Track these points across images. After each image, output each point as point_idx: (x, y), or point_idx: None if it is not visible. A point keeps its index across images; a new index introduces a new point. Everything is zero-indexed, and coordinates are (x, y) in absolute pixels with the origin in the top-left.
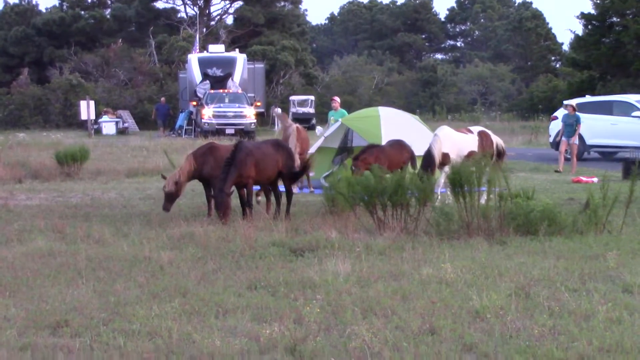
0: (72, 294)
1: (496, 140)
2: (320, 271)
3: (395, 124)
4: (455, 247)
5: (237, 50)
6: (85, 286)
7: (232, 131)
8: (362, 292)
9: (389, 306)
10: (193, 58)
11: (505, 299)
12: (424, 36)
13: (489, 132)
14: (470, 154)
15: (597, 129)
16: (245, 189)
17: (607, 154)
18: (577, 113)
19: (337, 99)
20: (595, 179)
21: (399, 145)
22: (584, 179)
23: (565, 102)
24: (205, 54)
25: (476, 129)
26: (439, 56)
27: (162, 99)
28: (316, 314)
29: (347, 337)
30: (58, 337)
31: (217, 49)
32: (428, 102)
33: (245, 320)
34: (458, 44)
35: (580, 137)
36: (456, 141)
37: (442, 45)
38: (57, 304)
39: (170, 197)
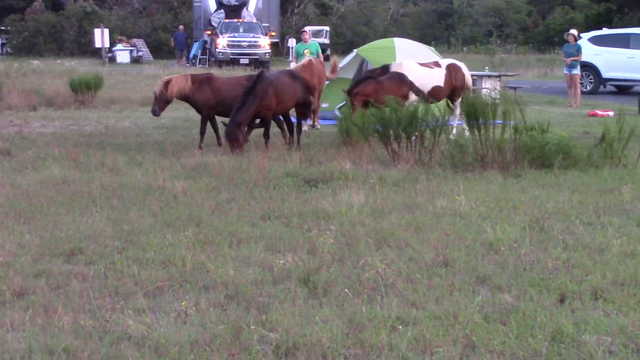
0: (86, 222)
1: (468, 77)
2: (334, 202)
3: (410, 55)
4: (470, 179)
5: None
6: (100, 214)
7: (247, 61)
8: (375, 223)
9: (402, 238)
10: None
11: (519, 232)
12: None
13: (461, 65)
14: (435, 88)
15: (613, 62)
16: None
17: (624, 88)
18: (578, 42)
19: (308, 30)
20: (611, 113)
21: (398, 79)
22: (599, 112)
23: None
24: None
25: (446, 62)
26: None
27: (180, 27)
28: (330, 245)
29: (361, 268)
30: (72, 265)
31: None
32: (443, 34)
33: (258, 250)
34: None
35: (596, 70)
36: (418, 75)
37: None
38: (71, 231)
39: (159, 99)
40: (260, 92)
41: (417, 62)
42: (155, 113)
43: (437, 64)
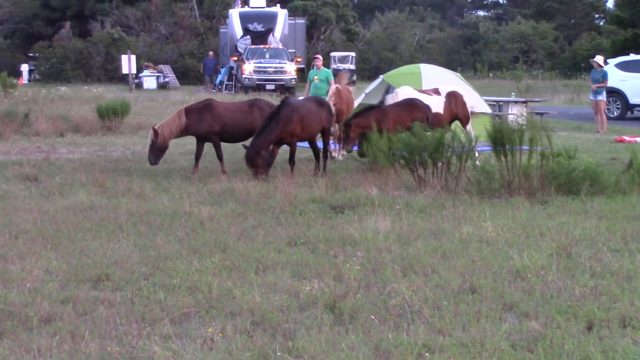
0: (113, 247)
1: (470, 104)
2: (360, 228)
3: (436, 81)
4: (496, 205)
5: (278, 5)
6: (126, 240)
7: (273, 87)
8: (402, 249)
9: (429, 264)
10: (234, 13)
11: (546, 259)
12: None
13: (462, 93)
14: (435, 115)
15: None
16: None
17: None
18: (604, 69)
19: (320, 57)
20: (638, 139)
21: (409, 105)
22: (627, 138)
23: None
24: (246, 8)
25: (446, 89)
26: (481, 13)
27: (210, 53)
28: (356, 271)
29: (387, 294)
30: (99, 291)
31: (258, 4)
32: (469, 60)
33: (285, 276)
34: (500, 0)
35: (624, 96)
36: None
37: (485, 2)
38: (98, 257)
39: (152, 148)
40: (283, 118)
41: (415, 89)
42: (152, 162)
43: (436, 92)
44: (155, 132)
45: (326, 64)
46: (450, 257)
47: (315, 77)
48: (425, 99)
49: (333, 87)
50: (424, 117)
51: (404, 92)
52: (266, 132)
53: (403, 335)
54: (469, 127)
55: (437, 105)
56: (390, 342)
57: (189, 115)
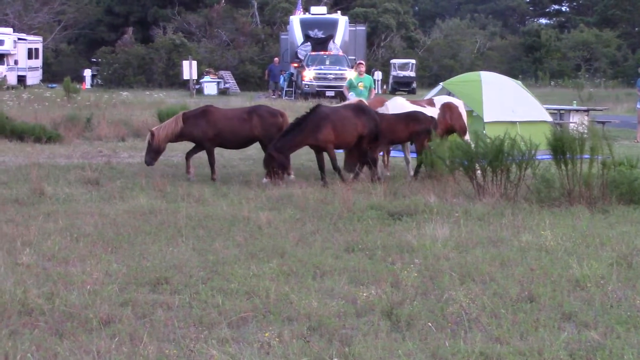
0: (172, 251)
1: (465, 115)
2: (418, 235)
3: (496, 89)
4: (556, 214)
5: (339, 12)
6: (185, 244)
7: (332, 93)
8: (460, 257)
9: (487, 272)
10: (295, 19)
11: (606, 268)
12: (527, 0)
13: (459, 104)
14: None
15: None
16: (326, 153)
17: None
18: None
19: (363, 62)
20: None
21: (406, 117)
22: None
23: None
24: (307, 15)
25: (441, 100)
26: (543, 21)
27: (275, 59)
28: (413, 278)
29: (445, 302)
30: (158, 294)
31: (319, 11)
32: (531, 68)
33: (342, 282)
34: (563, 8)
35: None
36: None
37: (547, 10)
38: (157, 261)
39: (148, 149)
40: (310, 125)
41: (408, 101)
42: (147, 163)
43: (430, 103)
44: (152, 134)
45: (386, 71)
46: (509, 265)
47: (360, 84)
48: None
49: (354, 99)
50: (423, 130)
51: (395, 104)
52: (288, 137)
53: (460, 343)
54: (466, 137)
55: None
56: (447, 349)
57: (186, 120)
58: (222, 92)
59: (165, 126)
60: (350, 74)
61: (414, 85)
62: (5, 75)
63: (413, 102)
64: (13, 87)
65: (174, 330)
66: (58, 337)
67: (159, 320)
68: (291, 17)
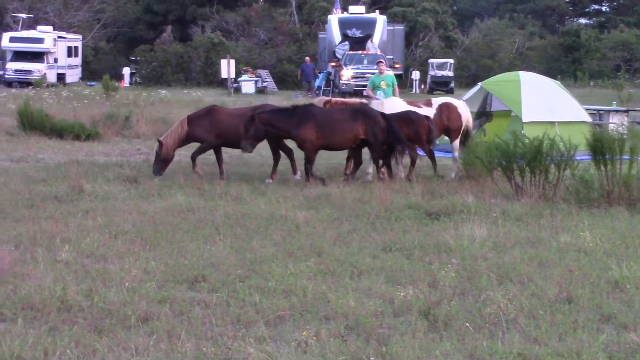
0: (209, 249)
1: (467, 116)
2: (455, 235)
3: (535, 90)
4: (595, 215)
5: (377, 11)
6: (223, 242)
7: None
8: (498, 257)
9: (525, 273)
10: (333, 19)
11: None
12: (567, 0)
13: (458, 104)
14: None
15: None
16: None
17: None
18: None
19: (383, 61)
20: None
21: (398, 118)
22: None
23: None
24: (345, 14)
25: (439, 101)
26: (582, 21)
27: (307, 58)
28: (451, 278)
29: (482, 302)
30: (196, 292)
31: (357, 10)
32: (570, 68)
33: (379, 281)
34: (603, 8)
35: None
36: None
37: (586, 10)
38: (195, 259)
39: (156, 159)
40: (295, 117)
41: (404, 101)
42: (155, 173)
43: (427, 103)
44: (160, 144)
45: (424, 71)
46: (547, 266)
47: (382, 83)
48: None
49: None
50: (415, 131)
51: (390, 103)
52: (277, 116)
53: (498, 343)
54: (455, 143)
55: None
56: (484, 350)
57: (190, 123)
58: (260, 90)
59: (172, 133)
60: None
61: (452, 85)
62: (45, 73)
63: (410, 103)
64: (53, 85)
65: (211, 328)
66: (97, 334)
67: (197, 318)
68: (329, 16)
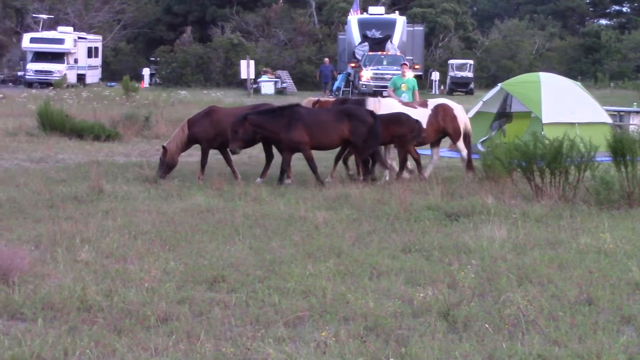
0: (229, 250)
1: (464, 119)
2: (475, 236)
3: (555, 91)
4: (615, 217)
5: (397, 12)
6: (242, 243)
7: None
8: (517, 259)
9: (545, 274)
10: (353, 19)
11: None
12: (588, 1)
13: (454, 106)
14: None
15: None
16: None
17: None
18: None
19: (407, 63)
20: None
21: (387, 120)
22: None
23: None
24: (365, 15)
25: (435, 102)
26: (603, 21)
27: (326, 59)
28: (470, 280)
29: (502, 303)
30: (215, 292)
31: (377, 11)
32: (590, 69)
33: (399, 282)
34: (624, 9)
35: None
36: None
37: (607, 11)
38: (214, 259)
39: (160, 164)
40: (283, 119)
41: (400, 102)
42: (160, 177)
43: (423, 104)
44: (165, 150)
45: (443, 72)
46: (567, 267)
47: (403, 85)
48: (408, 112)
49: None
50: (406, 133)
51: (386, 103)
52: (265, 117)
53: (517, 345)
54: (459, 144)
55: (420, 118)
56: (504, 351)
57: (191, 125)
58: (279, 91)
59: (174, 138)
60: (409, 74)
61: (472, 86)
62: (65, 74)
63: (405, 104)
64: (73, 86)
65: (230, 328)
66: (116, 334)
67: (216, 318)
68: (349, 17)
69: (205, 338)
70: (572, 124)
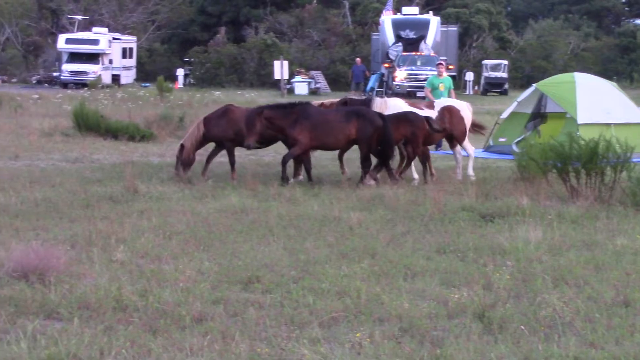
0: (263, 250)
1: (470, 118)
2: (510, 237)
3: (591, 91)
4: None
5: (430, 12)
6: (276, 243)
7: (423, 94)
8: (553, 260)
9: (581, 276)
10: (386, 20)
11: None
12: (623, 0)
13: (461, 107)
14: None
15: None
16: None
17: None
18: None
19: (444, 63)
20: None
21: (396, 119)
22: None
23: None
24: (398, 15)
25: (441, 103)
26: (638, 21)
27: (357, 59)
28: (506, 281)
29: (537, 305)
30: (249, 293)
31: (411, 11)
32: (626, 69)
33: (433, 283)
34: None
35: None
36: None
37: None
38: (249, 260)
39: (177, 162)
40: (286, 124)
41: (406, 102)
42: (179, 175)
43: (430, 106)
44: (182, 147)
45: (477, 72)
46: (604, 269)
47: (441, 85)
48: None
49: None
50: (410, 133)
51: (393, 104)
52: (279, 112)
53: (554, 347)
54: (465, 144)
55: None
56: (540, 353)
57: (207, 123)
58: (313, 92)
59: (189, 136)
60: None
61: (506, 86)
62: (100, 75)
63: (411, 105)
64: (107, 86)
65: (265, 329)
66: (152, 334)
67: (251, 319)
68: (383, 18)
69: (240, 338)
70: (608, 124)
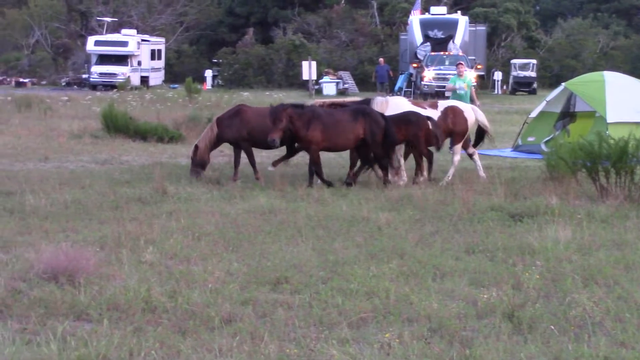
0: (292, 251)
1: (481, 119)
2: (539, 237)
3: (620, 90)
4: None
5: (459, 12)
6: (305, 244)
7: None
8: (583, 260)
9: (611, 275)
10: (414, 20)
11: None
12: None
13: (464, 108)
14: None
15: None
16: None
17: None
18: None
19: (463, 63)
20: None
21: (398, 119)
22: None
23: None
24: (427, 15)
25: (445, 104)
26: None
27: (381, 59)
28: (535, 281)
29: (567, 305)
30: (278, 293)
31: (439, 11)
32: None
33: (462, 284)
34: None
35: None
36: None
37: None
38: (277, 260)
39: (192, 164)
40: (297, 125)
41: (409, 101)
42: (194, 176)
43: (433, 105)
44: (196, 148)
45: (506, 72)
46: (634, 268)
47: (464, 85)
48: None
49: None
50: (414, 134)
51: (395, 103)
52: (301, 111)
53: (584, 346)
54: (457, 147)
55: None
56: (570, 353)
57: (220, 124)
58: (341, 92)
59: (203, 137)
60: (471, 74)
61: (535, 85)
62: (129, 76)
63: (415, 104)
64: (136, 88)
65: (294, 329)
66: (181, 335)
67: (280, 320)
68: (411, 18)
69: (269, 339)
70: (638, 123)
